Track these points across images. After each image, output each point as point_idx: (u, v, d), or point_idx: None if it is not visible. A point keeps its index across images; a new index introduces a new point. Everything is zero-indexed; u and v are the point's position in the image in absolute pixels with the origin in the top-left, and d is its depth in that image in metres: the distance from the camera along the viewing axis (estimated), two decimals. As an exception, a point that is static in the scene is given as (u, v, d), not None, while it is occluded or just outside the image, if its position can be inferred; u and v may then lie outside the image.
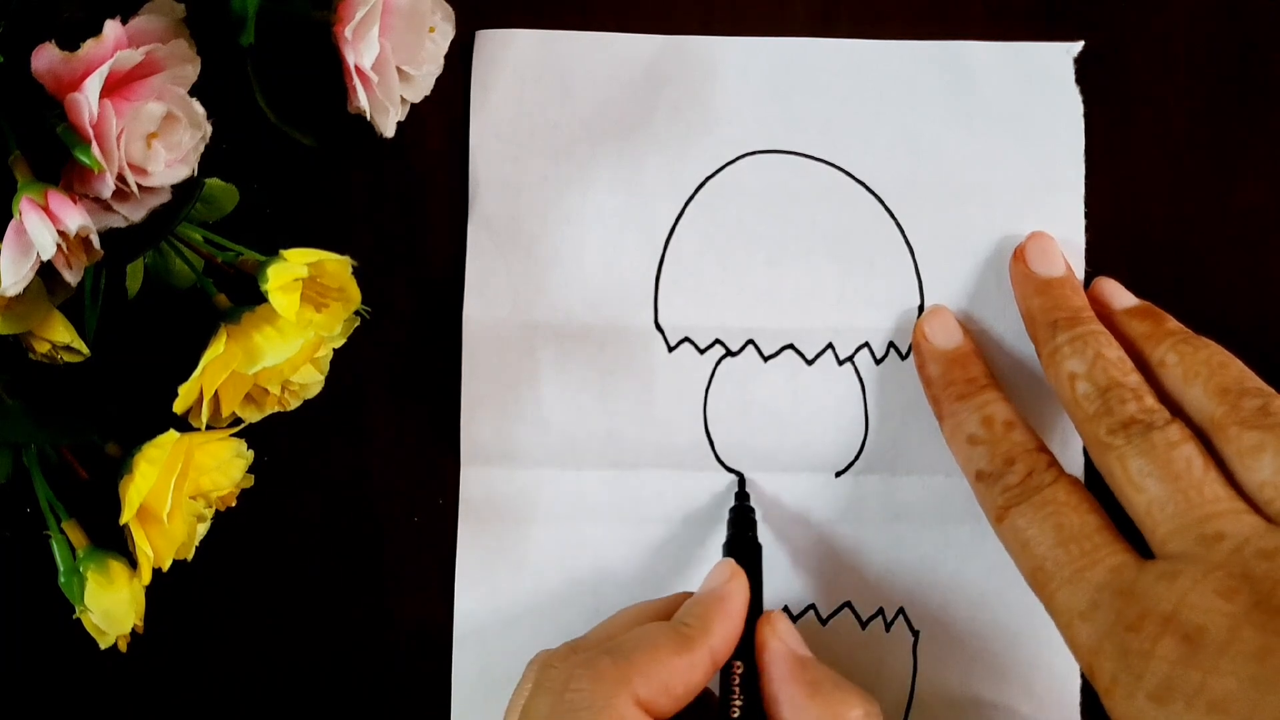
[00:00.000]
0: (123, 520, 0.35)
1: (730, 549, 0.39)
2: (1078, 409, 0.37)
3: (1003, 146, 0.41)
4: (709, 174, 0.42)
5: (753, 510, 0.40)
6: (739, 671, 0.36)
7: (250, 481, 0.37)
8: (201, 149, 0.34)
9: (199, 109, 0.34)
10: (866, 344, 0.41)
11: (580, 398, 0.41)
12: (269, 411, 0.37)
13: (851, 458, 0.42)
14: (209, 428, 0.36)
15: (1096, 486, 0.37)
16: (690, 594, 0.38)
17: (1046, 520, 0.36)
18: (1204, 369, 0.37)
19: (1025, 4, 0.42)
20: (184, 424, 0.36)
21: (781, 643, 0.36)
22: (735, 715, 0.36)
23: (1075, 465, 0.41)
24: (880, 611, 0.42)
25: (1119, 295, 0.40)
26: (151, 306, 0.39)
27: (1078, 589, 0.35)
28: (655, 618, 0.37)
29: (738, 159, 0.42)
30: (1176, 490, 0.35)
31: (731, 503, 0.41)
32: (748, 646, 0.37)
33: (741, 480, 0.41)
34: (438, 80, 0.38)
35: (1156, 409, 0.36)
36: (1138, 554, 0.35)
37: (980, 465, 0.38)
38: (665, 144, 0.42)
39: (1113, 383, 0.37)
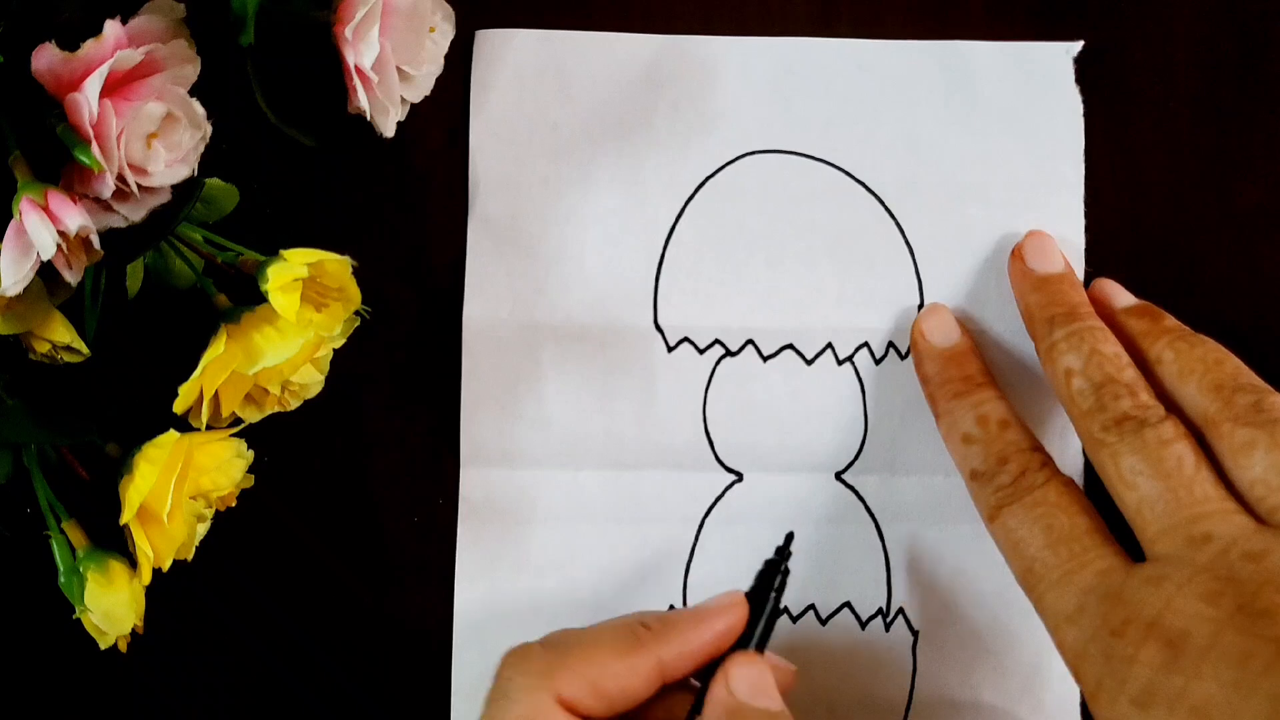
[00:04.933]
0: (123, 520, 0.35)
1: (751, 596, 0.36)
2: (1073, 405, 0.37)
3: (1002, 146, 0.41)
4: (709, 174, 0.42)
5: (786, 571, 0.37)
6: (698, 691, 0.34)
7: (250, 481, 0.37)
8: (201, 149, 0.34)
9: (199, 109, 0.33)
10: (866, 344, 0.41)
11: (580, 398, 0.41)
12: (269, 411, 0.37)
13: (851, 458, 0.42)
14: (209, 428, 0.36)
15: (1097, 485, 0.37)
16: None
17: (1037, 521, 0.36)
18: (1199, 365, 0.36)
19: (1025, 4, 0.42)
20: (184, 424, 0.36)
21: (724, 690, 0.34)
22: None
23: (1074, 464, 0.41)
24: (880, 611, 0.42)
25: (1118, 295, 0.40)
26: (151, 306, 0.39)
27: (1065, 592, 0.34)
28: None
29: (738, 159, 0.42)
30: (1166, 489, 0.34)
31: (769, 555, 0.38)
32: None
33: (788, 539, 0.38)
34: (438, 80, 0.38)
35: (1151, 405, 0.36)
36: (1127, 557, 0.35)
37: (974, 464, 0.38)
38: (665, 144, 0.42)
39: (1107, 378, 0.37)
